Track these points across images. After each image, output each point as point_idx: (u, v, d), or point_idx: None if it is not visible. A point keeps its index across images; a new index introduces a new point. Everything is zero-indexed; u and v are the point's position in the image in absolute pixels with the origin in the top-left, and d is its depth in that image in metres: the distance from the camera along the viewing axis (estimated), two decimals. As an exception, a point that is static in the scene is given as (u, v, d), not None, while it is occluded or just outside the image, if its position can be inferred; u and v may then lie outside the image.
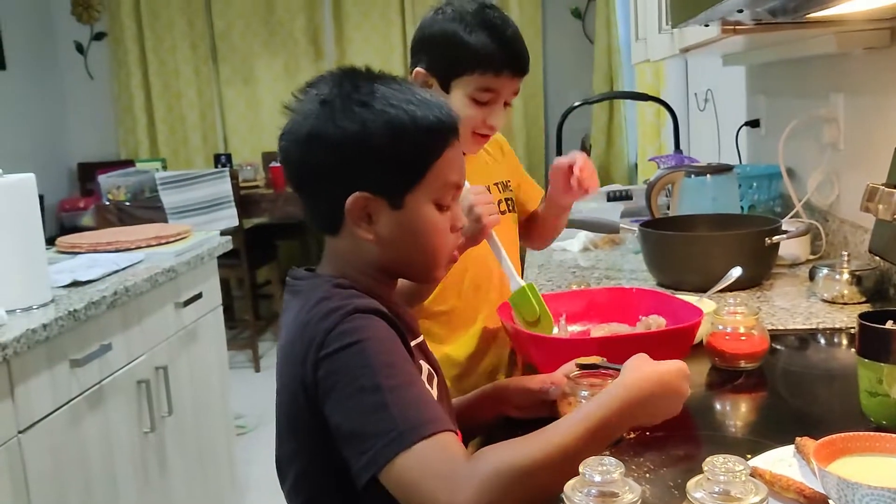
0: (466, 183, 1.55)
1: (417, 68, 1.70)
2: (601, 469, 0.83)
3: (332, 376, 1.00)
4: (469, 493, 0.91)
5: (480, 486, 0.91)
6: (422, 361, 1.15)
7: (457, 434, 1.04)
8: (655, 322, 1.49)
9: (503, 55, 1.64)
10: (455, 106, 1.69)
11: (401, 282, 1.25)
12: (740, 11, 1.33)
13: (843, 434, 1.00)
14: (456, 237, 1.18)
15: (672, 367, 1.11)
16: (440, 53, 1.68)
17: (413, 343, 1.14)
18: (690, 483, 0.85)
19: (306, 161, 1.13)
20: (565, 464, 0.93)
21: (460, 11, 1.65)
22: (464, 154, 1.79)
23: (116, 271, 2.43)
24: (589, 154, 5.40)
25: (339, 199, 1.10)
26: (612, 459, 0.85)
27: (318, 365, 1.02)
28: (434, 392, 1.14)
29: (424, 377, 1.12)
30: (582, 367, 1.23)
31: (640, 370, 1.09)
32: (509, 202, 1.87)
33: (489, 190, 1.81)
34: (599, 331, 1.54)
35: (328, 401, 1.01)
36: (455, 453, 0.96)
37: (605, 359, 1.24)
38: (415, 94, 1.12)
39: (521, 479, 0.93)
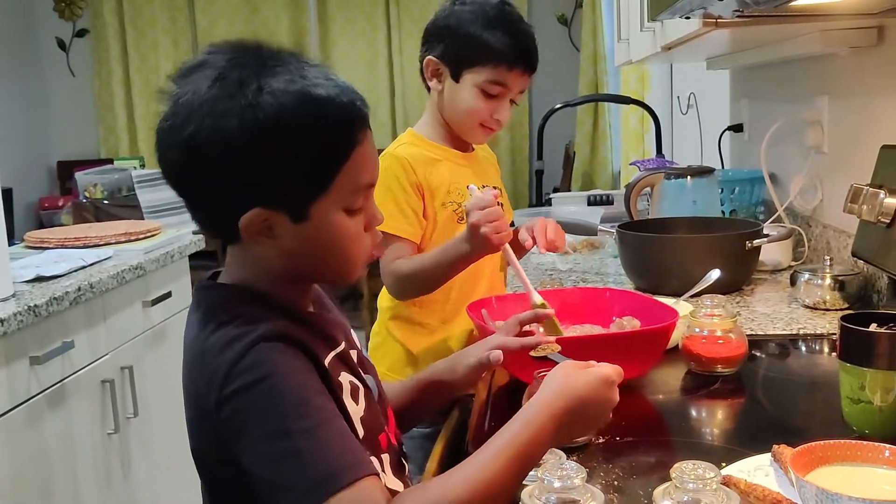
0: (475, 189, 1.53)
1: (429, 56, 1.75)
2: (561, 475, 0.77)
3: (239, 416, 0.91)
4: None
5: None
6: (343, 374, 1.04)
7: (384, 461, 0.99)
8: (630, 323, 1.45)
9: (518, 51, 1.69)
10: (463, 96, 1.73)
11: None
12: (720, 0, 1.29)
13: (822, 442, 0.96)
14: (372, 235, 1.06)
15: (591, 379, 0.99)
16: (456, 43, 1.72)
17: (332, 354, 1.03)
18: (657, 491, 0.80)
19: (188, 167, 0.98)
20: (490, 498, 0.87)
21: (481, 4, 1.70)
22: (464, 144, 1.80)
23: (83, 267, 2.37)
24: (573, 160, 5.39)
25: (231, 212, 0.96)
26: (574, 464, 0.80)
27: (222, 404, 0.91)
28: (361, 404, 1.04)
29: (347, 394, 1.02)
30: (536, 358, 1.17)
31: (557, 388, 0.98)
32: (501, 207, 1.84)
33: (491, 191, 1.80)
34: (571, 332, 1.49)
35: (237, 443, 0.91)
36: (376, 499, 0.87)
37: (560, 348, 1.18)
38: (315, 85, 0.97)
39: None
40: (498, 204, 1.61)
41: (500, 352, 1.25)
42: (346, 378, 1.03)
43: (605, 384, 1.00)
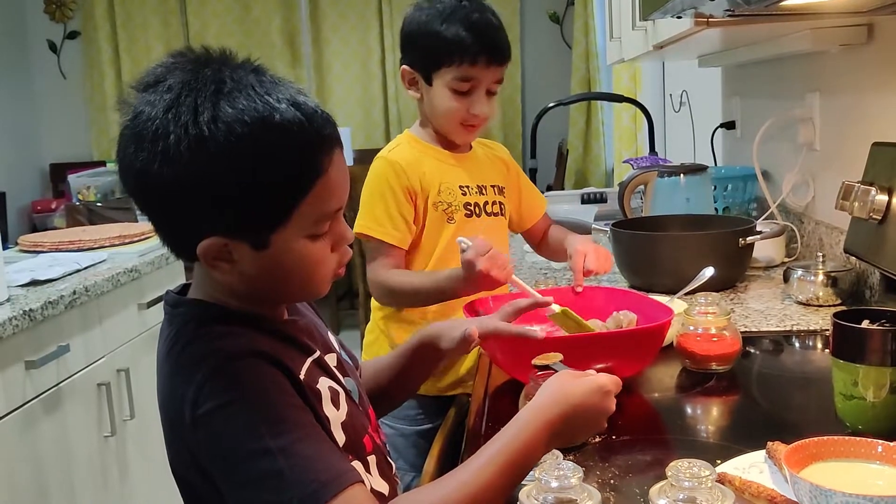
0: (466, 241, 1.53)
1: (403, 66, 1.78)
2: (558, 474, 0.78)
3: (214, 439, 0.89)
4: None
5: None
6: (322, 380, 1.02)
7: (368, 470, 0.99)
8: (626, 318, 1.45)
9: (477, 44, 1.68)
10: (438, 99, 1.74)
11: None
12: (712, 0, 1.29)
13: (816, 438, 0.96)
14: (340, 254, 1.02)
15: (587, 387, 1.00)
16: (419, 48, 1.74)
17: (308, 362, 1.01)
18: (653, 490, 0.81)
19: (141, 198, 0.96)
20: (483, 502, 0.87)
21: (436, 5, 1.71)
22: (456, 145, 1.81)
23: (78, 270, 2.37)
24: (566, 159, 5.39)
25: (187, 240, 0.94)
26: (570, 464, 0.80)
27: (196, 425, 0.90)
28: (343, 408, 1.03)
29: (327, 400, 1.00)
30: (538, 367, 1.17)
31: (552, 395, 0.99)
32: (501, 206, 1.88)
33: (485, 190, 1.81)
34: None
35: (215, 465, 0.90)
36: None
37: (562, 357, 1.18)
38: (275, 110, 0.91)
39: None
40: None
41: (475, 330, 1.26)
42: (324, 384, 1.02)
43: (599, 392, 1.00)
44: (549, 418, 0.95)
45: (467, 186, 1.80)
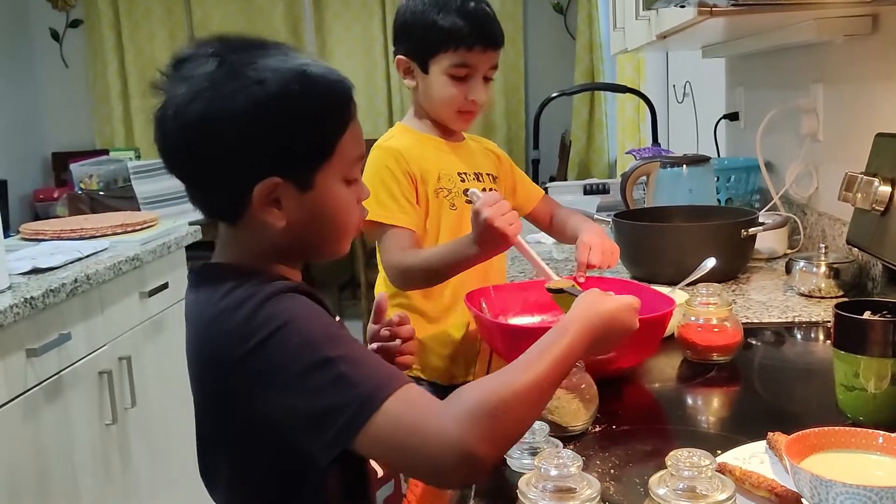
0: (478, 192, 1.53)
1: (398, 55, 1.78)
2: (557, 463, 0.78)
3: (269, 365, 0.93)
4: (451, 434, 0.87)
5: (460, 424, 0.87)
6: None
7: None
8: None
9: (473, 29, 1.69)
10: (435, 86, 1.74)
11: None
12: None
13: (816, 429, 0.96)
14: (360, 209, 1.13)
15: (619, 302, 1.10)
16: (415, 37, 1.75)
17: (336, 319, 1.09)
18: (653, 479, 0.80)
19: (199, 148, 1.02)
20: (535, 393, 0.93)
21: None
22: (451, 133, 1.82)
23: (79, 259, 2.37)
24: (569, 149, 5.38)
25: (243, 186, 1.01)
26: (570, 452, 0.80)
27: (246, 360, 0.94)
28: None
29: None
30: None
31: (589, 306, 1.07)
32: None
33: (482, 177, 1.82)
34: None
35: (269, 392, 0.93)
36: (426, 400, 0.92)
37: (575, 283, 1.23)
38: (305, 63, 1.03)
39: (498, 411, 0.89)
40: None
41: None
42: None
43: (630, 309, 1.11)
44: (587, 324, 1.03)
45: (465, 173, 1.81)
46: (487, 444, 0.87)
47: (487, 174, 1.86)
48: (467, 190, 1.65)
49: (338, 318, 1.09)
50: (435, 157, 1.78)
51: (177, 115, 1.01)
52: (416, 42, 1.75)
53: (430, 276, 1.69)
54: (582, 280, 1.59)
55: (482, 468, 0.89)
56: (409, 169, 1.73)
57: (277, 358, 0.93)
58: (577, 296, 1.15)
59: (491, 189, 1.83)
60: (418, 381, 1.76)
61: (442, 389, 1.79)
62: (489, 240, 1.51)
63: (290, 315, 0.95)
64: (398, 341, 1.31)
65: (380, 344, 1.31)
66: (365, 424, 0.89)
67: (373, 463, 1.11)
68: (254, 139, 1.00)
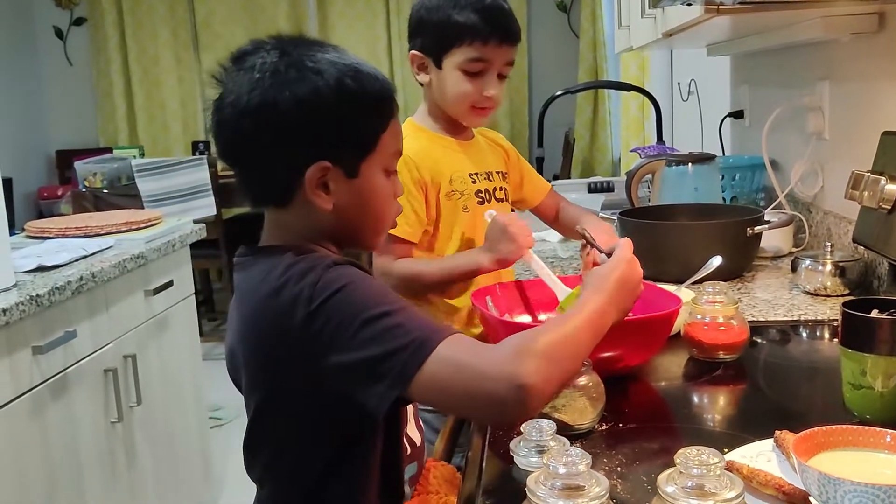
0: (493, 213, 1.57)
1: (412, 51, 1.78)
2: (566, 461, 0.78)
3: (332, 321, 1.00)
4: (505, 369, 0.93)
5: (512, 361, 0.94)
6: None
7: None
8: None
9: (489, 24, 1.69)
10: (449, 82, 1.74)
11: None
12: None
13: (824, 427, 0.96)
14: (396, 204, 1.20)
15: (616, 262, 1.18)
16: (430, 32, 1.74)
17: None
18: (661, 477, 0.80)
19: (258, 132, 1.09)
20: (578, 340, 1.02)
21: None
22: (461, 131, 1.83)
23: (84, 256, 2.37)
24: (573, 148, 5.38)
25: (296, 169, 1.09)
26: (578, 450, 0.80)
27: (311, 320, 1.00)
28: None
29: None
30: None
31: (597, 276, 1.16)
32: (505, 191, 1.89)
33: (492, 176, 1.83)
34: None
35: (333, 347, 0.99)
36: (476, 344, 0.99)
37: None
38: (357, 62, 1.12)
39: (547, 349, 0.97)
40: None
41: None
42: None
43: (626, 262, 1.19)
44: (603, 293, 1.11)
45: (476, 174, 1.81)
46: (540, 378, 0.93)
47: (497, 172, 1.87)
48: (487, 212, 1.69)
49: None
50: (447, 159, 1.79)
51: (236, 103, 1.09)
52: (431, 37, 1.74)
53: (424, 283, 1.74)
54: None
55: (536, 402, 0.95)
56: (421, 177, 1.74)
57: (338, 316, 1.00)
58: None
59: (502, 187, 1.85)
60: None
61: None
62: (503, 246, 1.55)
63: (349, 279, 1.03)
64: None
65: None
66: (421, 365, 0.95)
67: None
68: (310, 125, 1.08)
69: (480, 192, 1.81)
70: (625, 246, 1.22)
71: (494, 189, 1.83)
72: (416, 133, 1.81)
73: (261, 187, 1.15)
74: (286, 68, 1.08)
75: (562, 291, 1.52)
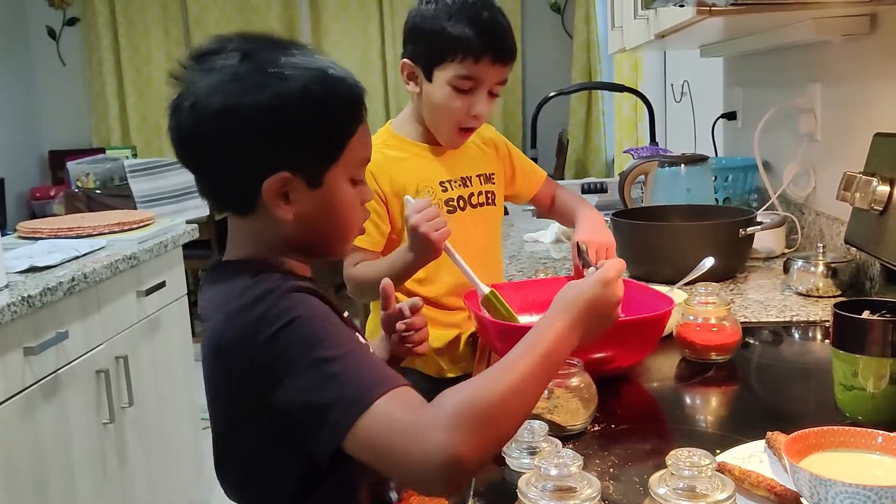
0: (410, 199, 1.53)
1: (403, 59, 1.72)
2: (557, 462, 0.78)
3: (275, 360, 0.96)
4: (437, 438, 0.86)
5: (445, 427, 0.87)
6: (356, 334, 1.11)
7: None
8: None
9: (482, 41, 1.63)
10: (438, 96, 1.69)
11: None
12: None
13: (815, 428, 0.96)
14: (364, 211, 1.16)
15: (591, 283, 1.08)
16: (423, 42, 1.69)
17: (344, 314, 1.11)
18: (653, 478, 0.80)
19: (216, 139, 1.04)
20: (524, 393, 0.93)
21: (445, 0, 1.66)
22: (447, 148, 1.78)
23: (76, 257, 2.36)
24: (566, 149, 5.38)
25: (255, 178, 1.04)
26: (570, 452, 0.80)
27: (270, 343, 0.97)
28: None
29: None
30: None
31: (565, 297, 1.07)
32: (489, 195, 1.85)
33: (469, 181, 1.78)
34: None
35: (277, 385, 0.95)
36: (414, 403, 0.92)
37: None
38: (326, 65, 1.08)
39: (485, 413, 0.89)
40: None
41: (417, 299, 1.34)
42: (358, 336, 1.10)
43: (603, 284, 1.08)
44: (571, 314, 1.03)
45: (449, 181, 1.77)
46: (473, 449, 0.86)
47: (479, 176, 1.83)
48: (405, 196, 1.59)
49: (346, 314, 1.12)
50: (415, 168, 1.75)
51: (195, 106, 1.03)
52: (423, 47, 1.68)
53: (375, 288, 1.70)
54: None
55: (467, 473, 0.89)
56: (379, 188, 1.71)
57: (282, 354, 0.96)
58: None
59: (482, 192, 1.82)
60: (405, 371, 1.75)
61: (431, 381, 1.78)
62: (418, 246, 1.51)
63: (296, 313, 0.98)
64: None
65: (400, 335, 1.33)
66: (355, 422, 0.90)
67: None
68: (271, 134, 1.03)
69: (452, 199, 1.77)
70: (610, 267, 1.12)
71: (471, 195, 1.80)
72: (386, 141, 1.78)
73: (220, 195, 1.11)
74: (247, 72, 1.03)
75: (482, 288, 1.48)
